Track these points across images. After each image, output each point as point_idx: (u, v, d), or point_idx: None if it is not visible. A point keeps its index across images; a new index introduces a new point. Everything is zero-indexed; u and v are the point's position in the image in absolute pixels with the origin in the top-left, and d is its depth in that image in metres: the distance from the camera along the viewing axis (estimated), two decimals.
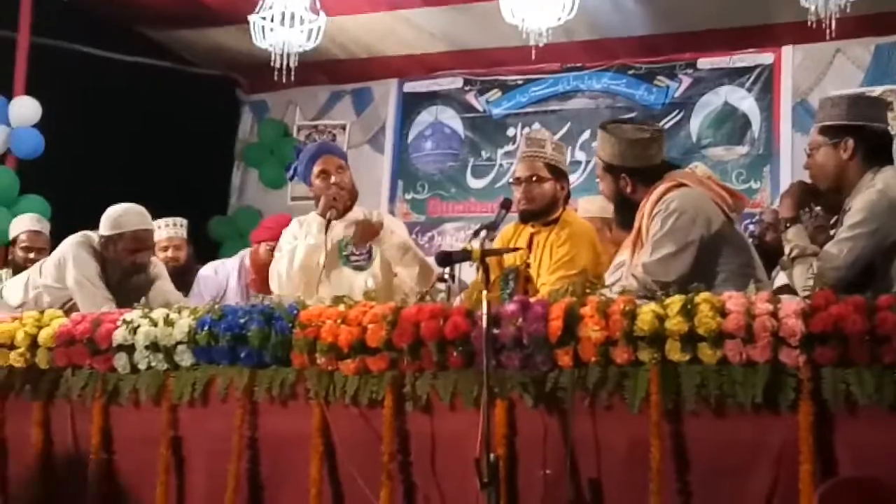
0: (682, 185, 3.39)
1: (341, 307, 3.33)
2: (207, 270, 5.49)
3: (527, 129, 7.53)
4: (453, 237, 7.86)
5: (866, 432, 2.70)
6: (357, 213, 4.25)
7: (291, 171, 4.51)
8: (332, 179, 4.23)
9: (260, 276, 5.03)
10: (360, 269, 4.17)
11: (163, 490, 3.44)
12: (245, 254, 5.49)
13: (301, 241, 4.18)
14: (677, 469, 2.85)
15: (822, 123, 3.28)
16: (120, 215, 4.41)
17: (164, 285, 4.55)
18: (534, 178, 4.00)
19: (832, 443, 2.72)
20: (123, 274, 4.42)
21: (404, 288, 4.07)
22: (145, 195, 6.12)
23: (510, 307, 3.03)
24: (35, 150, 6.70)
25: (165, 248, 5.58)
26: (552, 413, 2.99)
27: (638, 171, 3.45)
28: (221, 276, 5.38)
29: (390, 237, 4.15)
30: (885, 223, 3.05)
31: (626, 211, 3.51)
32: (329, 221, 4.13)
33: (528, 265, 3.94)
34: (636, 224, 3.44)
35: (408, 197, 8.15)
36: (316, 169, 4.28)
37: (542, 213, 4.03)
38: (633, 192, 3.46)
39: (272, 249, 4.78)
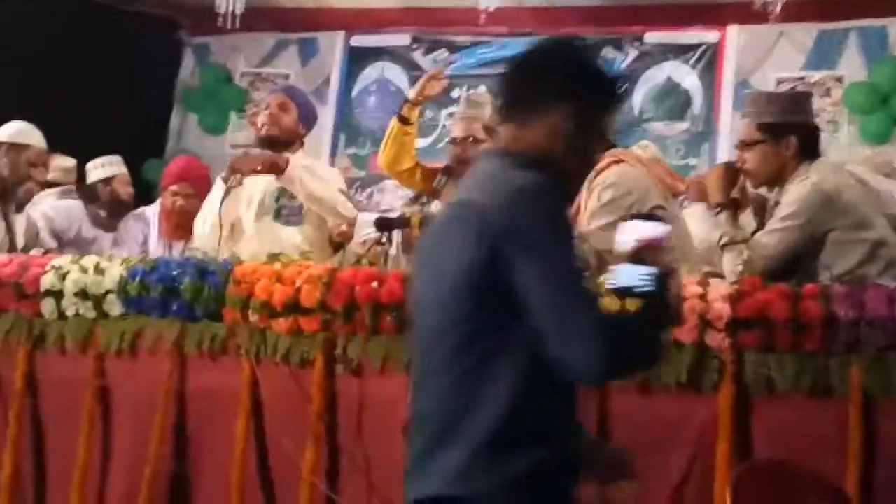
0: (620, 161, 3.42)
1: (277, 265, 3.31)
2: (129, 217, 5.41)
3: (471, 92, 7.51)
4: (393, 194, 7.82)
5: (784, 416, 2.79)
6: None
7: None
8: (264, 115, 4.16)
9: (167, 222, 4.97)
10: (291, 223, 4.11)
11: (86, 439, 3.42)
12: None
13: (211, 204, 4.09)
14: None
15: (762, 121, 3.27)
16: (29, 129, 4.60)
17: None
18: (470, 139, 4.01)
19: (750, 425, 2.81)
20: (15, 184, 4.55)
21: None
22: (80, 133, 6.02)
23: None
24: None
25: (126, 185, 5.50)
26: None
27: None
28: (142, 223, 5.30)
29: (303, 183, 3.99)
30: (816, 216, 3.11)
31: None
32: (228, 190, 4.00)
33: None
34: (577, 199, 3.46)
35: (349, 151, 8.08)
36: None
37: None
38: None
39: (173, 194, 4.78)
